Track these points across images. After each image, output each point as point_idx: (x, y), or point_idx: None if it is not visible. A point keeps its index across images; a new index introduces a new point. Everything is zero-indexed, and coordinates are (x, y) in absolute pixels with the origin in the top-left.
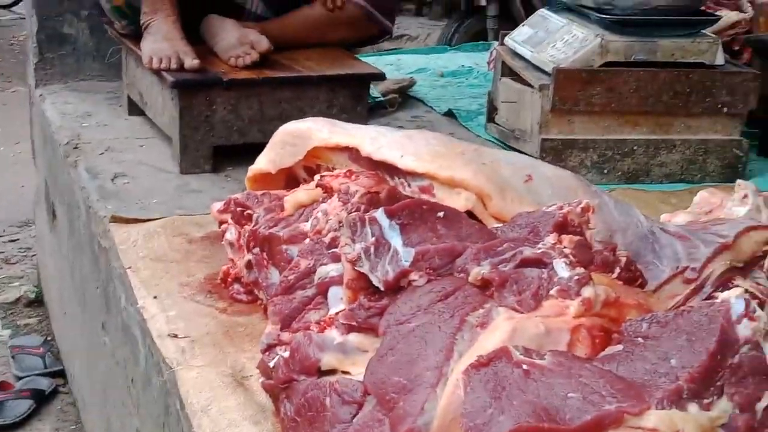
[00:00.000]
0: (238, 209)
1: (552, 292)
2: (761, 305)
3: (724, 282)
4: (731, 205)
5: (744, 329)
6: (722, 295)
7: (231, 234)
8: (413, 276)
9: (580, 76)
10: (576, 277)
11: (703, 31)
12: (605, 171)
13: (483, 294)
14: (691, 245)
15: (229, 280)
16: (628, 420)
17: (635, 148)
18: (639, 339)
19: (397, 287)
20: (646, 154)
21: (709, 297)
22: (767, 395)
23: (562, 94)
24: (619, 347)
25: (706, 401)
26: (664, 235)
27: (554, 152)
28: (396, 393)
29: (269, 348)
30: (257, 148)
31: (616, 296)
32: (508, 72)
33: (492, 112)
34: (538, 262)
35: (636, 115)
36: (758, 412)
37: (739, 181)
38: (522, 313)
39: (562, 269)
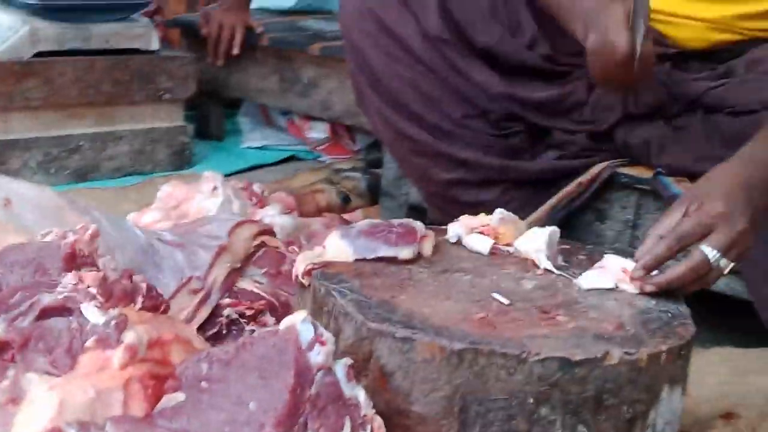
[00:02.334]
0: None
1: (88, 343)
2: (272, 310)
3: (229, 286)
4: (201, 198)
5: (316, 356)
6: (286, 321)
7: None
8: None
9: (13, 68)
10: (113, 321)
11: (136, 17)
12: (52, 171)
13: (1, 359)
14: (190, 252)
15: None
16: None
17: (81, 143)
18: (203, 383)
19: None
20: (93, 148)
21: (218, 306)
22: (347, 421)
23: None
24: (181, 396)
25: None
26: (162, 245)
27: None
28: None
29: None
30: None
31: (157, 334)
32: None
33: None
34: (63, 310)
35: (78, 108)
36: None
37: (206, 173)
38: (58, 375)
39: (93, 314)
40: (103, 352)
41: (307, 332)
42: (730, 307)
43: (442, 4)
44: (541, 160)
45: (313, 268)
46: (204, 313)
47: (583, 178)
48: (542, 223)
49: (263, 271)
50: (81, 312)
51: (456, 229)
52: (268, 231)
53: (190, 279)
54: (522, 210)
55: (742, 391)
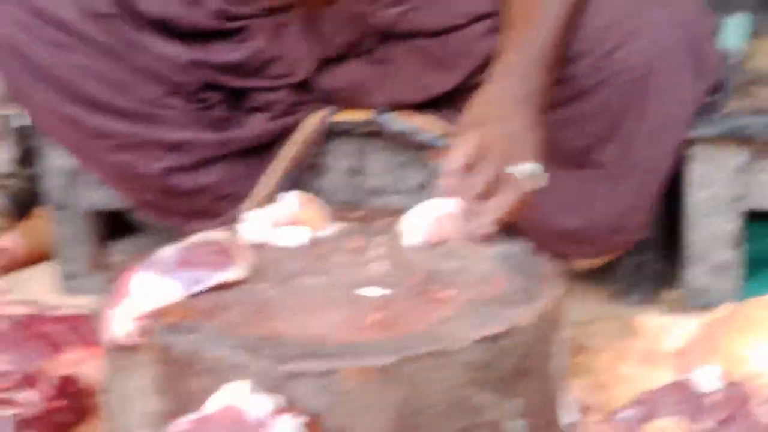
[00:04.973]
0: None
1: None
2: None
3: None
4: None
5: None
6: (215, 402)
7: None
8: None
9: None
10: None
11: None
12: None
13: None
14: None
15: None
16: None
17: None
18: None
19: None
20: None
21: None
22: None
23: None
24: None
25: None
26: None
27: None
28: None
29: None
30: None
31: None
32: None
33: None
34: None
35: None
36: None
37: None
38: None
39: None
40: None
41: (260, 406)
42: None
43: None
44: (252, 126)
45: (148, 324)
46: None
47: (302, 135)
48: (278, 192)
49: None
50: None
51: (256, 227)
52: None
53: None
54: (247, 184)
55: None
